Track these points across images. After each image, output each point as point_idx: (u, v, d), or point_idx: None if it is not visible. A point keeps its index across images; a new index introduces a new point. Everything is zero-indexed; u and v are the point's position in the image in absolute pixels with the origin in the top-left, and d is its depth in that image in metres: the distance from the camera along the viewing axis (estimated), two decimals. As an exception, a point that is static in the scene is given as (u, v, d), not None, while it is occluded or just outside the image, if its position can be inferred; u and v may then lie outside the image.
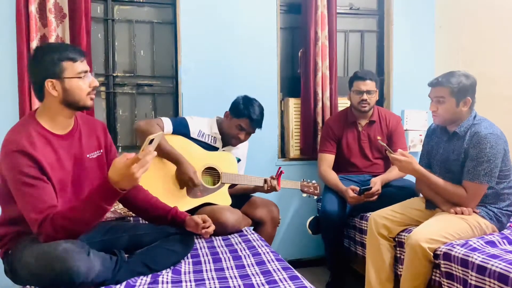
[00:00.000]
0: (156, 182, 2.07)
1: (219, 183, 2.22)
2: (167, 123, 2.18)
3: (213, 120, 2.35)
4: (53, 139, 1.49)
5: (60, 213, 1.36)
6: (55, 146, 1.48)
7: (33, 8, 2.38)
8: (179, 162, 2.09)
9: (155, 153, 1.36)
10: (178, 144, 2.16)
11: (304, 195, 2.42)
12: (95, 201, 1.35)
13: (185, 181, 2.09)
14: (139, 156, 1.31)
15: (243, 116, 2.24)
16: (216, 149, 2.31)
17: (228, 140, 2.31)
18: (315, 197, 2.45)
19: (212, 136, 2.30)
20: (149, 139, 1.31)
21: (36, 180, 1.38)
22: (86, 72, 1.50)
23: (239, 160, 2.39)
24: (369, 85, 2.52)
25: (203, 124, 2.30)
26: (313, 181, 2.46)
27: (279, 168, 2.36)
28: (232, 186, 2.33)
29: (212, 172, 2.23)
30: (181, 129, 2.21)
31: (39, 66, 1.46)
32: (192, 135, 2.24)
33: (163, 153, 2.09)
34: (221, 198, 2.20)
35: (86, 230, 1.43)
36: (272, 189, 2.29)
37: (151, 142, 1.33)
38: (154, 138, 1.33)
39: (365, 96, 2.51)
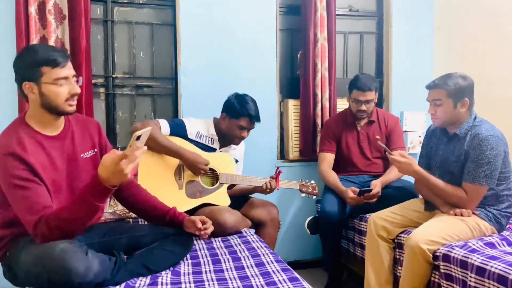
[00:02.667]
0: (156, 183, 2.07)
1: (218, 183, 2.22)
2: (164, 125, 2.18)
3: (210, 121, 2.35)
4: (44, 141, 1.48)
5: (54, 214, 1.35)
6: (47, 147, 1.48)
7: (32, 9, 2.37)
8: (183, 154, 2.10)
9: (145, 147, 1.35)
10: None
11: (303, 195, 2.43)
12: (86, 199, 1.34)
13: (199, 167, 2.10)
14: (126, 152, 1.30)
15: (241, 116, 2.25)
16: (213, 150, 2.31)
17: (231, 140, 2.32)
18: (314, 197, 2.45)
19: (209, 137, 2.30)
20: (136, 135, 1.30)
21: (28, 182, 1.38)
22: (66, 78, 1.47)
23: (237, 161, 2.39)
24: (369, 95, 2.50)
25: (200, 125, 2.30)
26: (312, 181, 2.46)
27: (277, 168, 2.37)
28: (230, 187, 2.34)
29: (210, 173, 2.23)
30: (178, 130, 2.21)
31: (20, 67, 1.46)
32: (189, 136, 2.24)
33: (166, 150, 2.10)
34: (220, 198, 2.20)
35: (81, 229, 1.43)
36: (271, 189, 2.29)
37: (139, 138, 1.32)
38: (141, 134, 1.32)
39: (363, 107, 2.52)
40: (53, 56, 1.44)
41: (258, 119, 2.30)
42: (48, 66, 1.43)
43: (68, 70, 1.48)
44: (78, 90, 1.51)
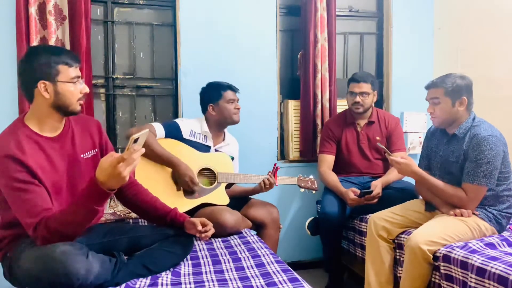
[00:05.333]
0: (154, 183, 2.07)
1: (216, 183, 2.23)
2: (159, 128, 2.19)
3: (202, 119, 2.37)
4: (43, 142, 1.48)
5: (53, 216, 1.35)
6: (46, 149, 1.48)
7: (33, 10, 2.38)
8: (176, 164, 2.10)
9: (143, 149, 1.35)
10: (171, 147, 2.17)
11: (302, 190, 2.43)
12: (85, 203, 1.34)
13: (184, 182, 2.10)
14: (124, 156, 1.29)
15: (223, 91, 2.33)
16: (208, 148, 2.32)
17: (231, 122, 2.37)
18: (313, 191, 2.44)
19: (203, 135, 2.32)
20: (133, 138, 1.30)
21: (27, 185, 1.37)
22: (78, 78, 1.51)
23: (232, 159, 2.40)
24: (363, 87, 2.52)
25: (193, 124, 2.32)
26: (310, 176, 2.47)
27: (275, 164, 2.37)
28: (228, 186, 2.34)
29: (207, 173, 2.24)
30: (173, 132, 2.23)
31: (34, 66, 1.45)
32: (184, 136, 2.26)
33: (158, 158, 2.11)
34: (219, 197, 2.21)
35: (81, 232, 1.43)
36: (270, 185, 2.29)
37: (136, 141, 1.32)
38: (139, 137, 1.32)
39: (357, 99, 2.53)
40: (69, 56, 1.49)
41: (236, 88, 2.39)
42: (65, 65, 1.47)
43: (79, 70, 1.53)
44: (88, 90, 1.55)
